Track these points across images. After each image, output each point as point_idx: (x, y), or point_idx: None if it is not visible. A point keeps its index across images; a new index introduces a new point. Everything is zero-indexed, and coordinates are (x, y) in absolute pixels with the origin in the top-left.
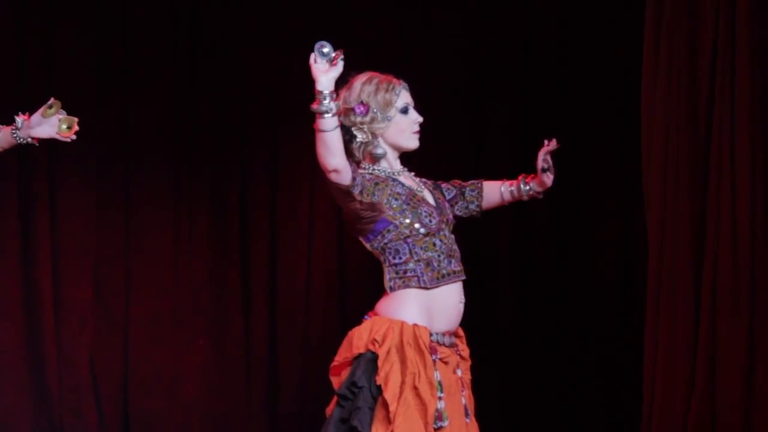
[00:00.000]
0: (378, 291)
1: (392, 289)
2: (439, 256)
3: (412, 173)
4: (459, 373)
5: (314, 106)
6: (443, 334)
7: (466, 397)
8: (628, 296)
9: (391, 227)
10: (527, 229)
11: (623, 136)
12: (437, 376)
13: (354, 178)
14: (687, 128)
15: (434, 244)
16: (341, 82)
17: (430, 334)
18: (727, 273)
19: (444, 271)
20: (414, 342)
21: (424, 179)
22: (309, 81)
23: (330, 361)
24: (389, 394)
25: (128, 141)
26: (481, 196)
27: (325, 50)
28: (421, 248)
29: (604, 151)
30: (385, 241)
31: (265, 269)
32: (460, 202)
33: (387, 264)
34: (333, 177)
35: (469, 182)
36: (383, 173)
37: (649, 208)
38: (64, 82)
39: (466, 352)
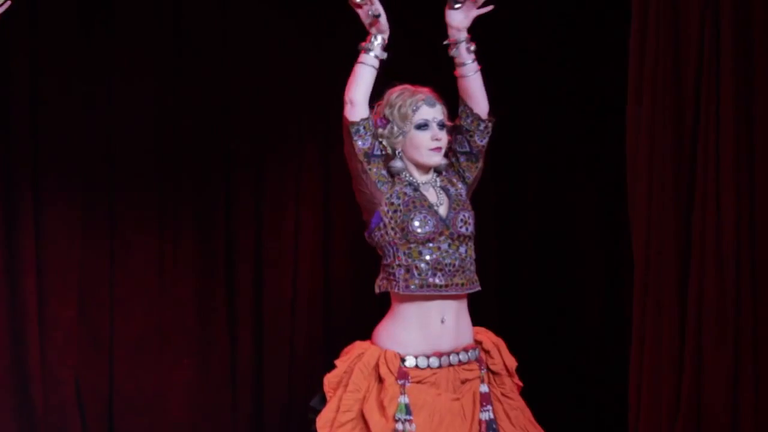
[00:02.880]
0: (364, 309)
1: (380, 288)
2: (422, 265)
3: (442, 184)
4: (484, 389)
5: (361, 44)
6: (427, 357)
7: (493, 412)
8: (614, 311)
9: (381, 224)
10: (513, 243)
11: (608, 153)
12: (403, 399)
13: (360, 123)
14: (672, 144)
15: (420, 253)
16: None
17: (403, 359)
18: (712, 288)
19: (425, 282)
20: (370, 367)
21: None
22: (294, 96)
23: (315, 379)
24: (320, 420)
25: (113, 159)
26: (471, 113)
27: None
28: (404, 253)
29: (588, 169)
30: (376, 238)
31: (250, 288)
32: (464, 143)
33: (381, 263)
34: (346, 110)
35: (458, 117)
36: (405, 179)
37: (634, 223)
38: (49, 101)
39: (497, 365)
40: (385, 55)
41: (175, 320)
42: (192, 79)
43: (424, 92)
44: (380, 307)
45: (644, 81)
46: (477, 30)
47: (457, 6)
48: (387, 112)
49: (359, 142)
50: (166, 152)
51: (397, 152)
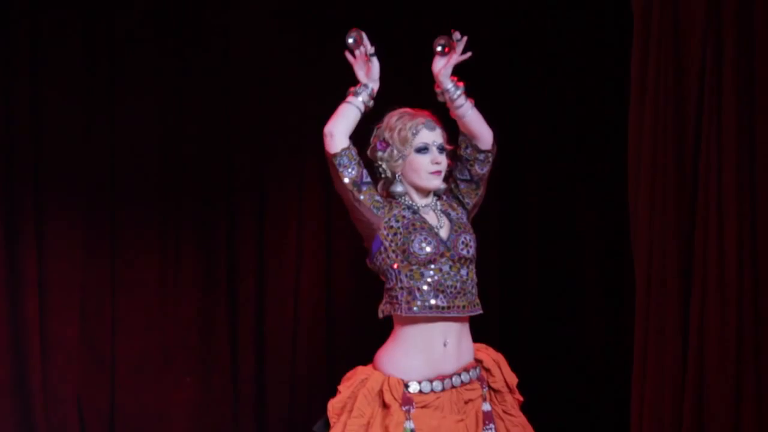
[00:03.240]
0: (366, 327)
1: (383, 313)
2: (423, 286)
3: (443, 208)
4: (486, 407)
5: (351, 88)
6: (430, 381)
7: (495, 430)
8: (616, 330)
9: (382, 248)
10: (515, 268)
11: (609, 173)
12: (409, 425)
13: (343, 154)
14: (673, 162)
15: (421, 275)
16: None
17: (406, 385)
18: (714, 307)
19: (426, 304)
20: (374, 393)
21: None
22: (295, 115)
23: (317, 397)
24: None
25: (114, 178)
26: (470, 143)
27: (349, 41)
28: (406, 276)
29: (590, 189)
30: (378, 263)
31: (252, 306)
32: (464, 170)
33: (384, 288)
34: (325, 141)
35: (458, 146)
36: (404, 203)
37: (635, 242)
38: (51, 122)
39: (498, 383)
40: (371, 104)
41: (177, 338)
42: (194, 99)
43: (424, 116)
44: (382, 324)
45: (646, 101)
46: (477, 42)
47: (438, 50)
48: (387, 135)
49: (345, 173)
50: (167, 171)
51: (396, 176)
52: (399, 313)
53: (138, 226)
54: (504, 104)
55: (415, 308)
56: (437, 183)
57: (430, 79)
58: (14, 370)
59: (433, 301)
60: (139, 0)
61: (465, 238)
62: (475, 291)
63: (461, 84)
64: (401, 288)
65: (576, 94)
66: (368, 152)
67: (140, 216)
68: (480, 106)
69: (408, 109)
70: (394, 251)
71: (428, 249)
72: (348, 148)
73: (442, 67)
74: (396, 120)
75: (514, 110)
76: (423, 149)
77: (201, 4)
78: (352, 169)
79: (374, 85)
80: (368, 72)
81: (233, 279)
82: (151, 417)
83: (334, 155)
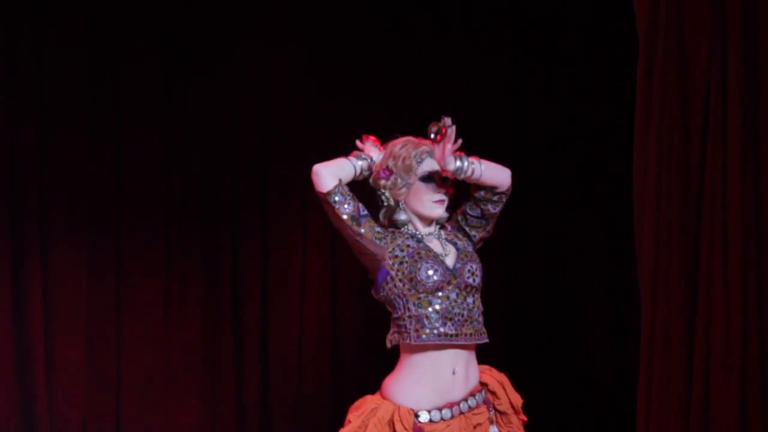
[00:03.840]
0: (371, 352)
1: (391, 343)
2: (432, 314)
3: (448, 237)
4: (494, 430)
5: (355, 151)
6: (440, 410)
7: None
8: (620, 357)
9: (388, 278)
10: (520, 294)
11: (613, 196)
12: None
13: (335, 191)
14: (678, 186)
15: (429, 302)
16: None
17: (416, 415)
18: (719, 335)
19: (435, 332)
20: (384, 423)
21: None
22: (299, 141)
23: (322, 421)
24: None
25: (119, 201)
26: (481, 185)
27: (433, 129)
28: (414, 304)
29: (593, 215)
30: (384, 293)
31: (257, 329)
32: (476, 208)
33: (391, 318)
34: (314, 180)
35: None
36: (407, 232)
37: (641, 266)
38: (57, 146)
39: (504, 405)
40: (366, 174)
41: (182, 362)
42: (199, 122)
43: (428, 144)
44: (386, 348)
45: (651, 112)
46: (481, 52)
47: (431, 137)
48: (390, 163)
49: (342, 209)
50: (172, 194)
51: (400, 204)
52: (408, 341)
53: (143, 249)
54: (506, 124)
55: (424, 336)
56: (440, 212)
57: (432, 106)
58: (19, 393)
59: (441, 329)
60: (144, 25)
61: (471, 266)
62: (481, 319)
63: (462, 154)
64: (409, 317)
65: (579, 111)
66: (370, 180)
67: (145, 239)
68: (480, 130)
69: (411, 138)
70: (401, 280)
71: (435, 277)
72: (339, 185)
73: (440, 157)
74: (400, 148)
75: (516, 129)
76: (427, 178)
77: (206, 32)
78: (348, 204)
79: (373, 163)
80: (378, 155)
81: (238, 302)
82: None
83: (327, 193)
